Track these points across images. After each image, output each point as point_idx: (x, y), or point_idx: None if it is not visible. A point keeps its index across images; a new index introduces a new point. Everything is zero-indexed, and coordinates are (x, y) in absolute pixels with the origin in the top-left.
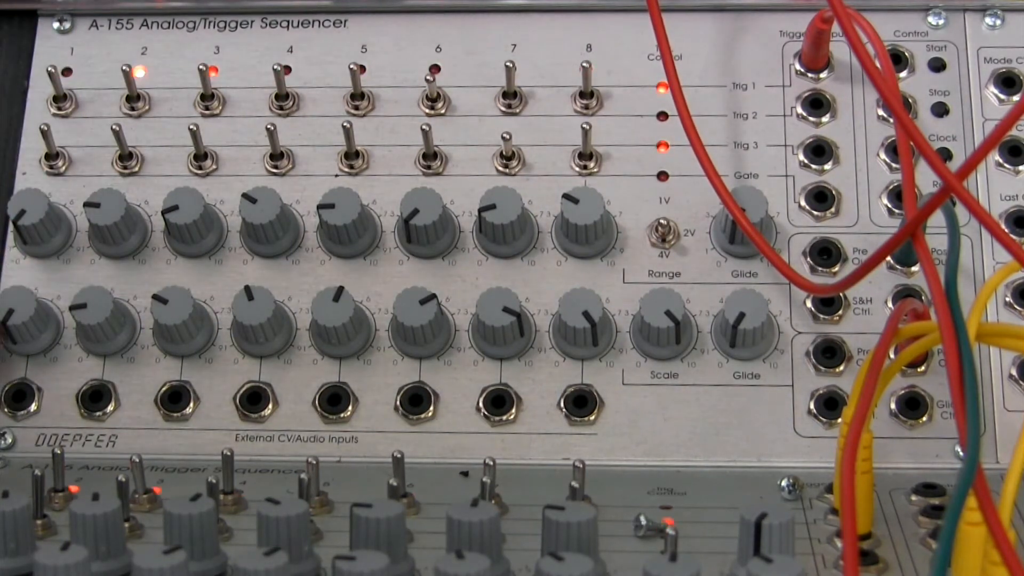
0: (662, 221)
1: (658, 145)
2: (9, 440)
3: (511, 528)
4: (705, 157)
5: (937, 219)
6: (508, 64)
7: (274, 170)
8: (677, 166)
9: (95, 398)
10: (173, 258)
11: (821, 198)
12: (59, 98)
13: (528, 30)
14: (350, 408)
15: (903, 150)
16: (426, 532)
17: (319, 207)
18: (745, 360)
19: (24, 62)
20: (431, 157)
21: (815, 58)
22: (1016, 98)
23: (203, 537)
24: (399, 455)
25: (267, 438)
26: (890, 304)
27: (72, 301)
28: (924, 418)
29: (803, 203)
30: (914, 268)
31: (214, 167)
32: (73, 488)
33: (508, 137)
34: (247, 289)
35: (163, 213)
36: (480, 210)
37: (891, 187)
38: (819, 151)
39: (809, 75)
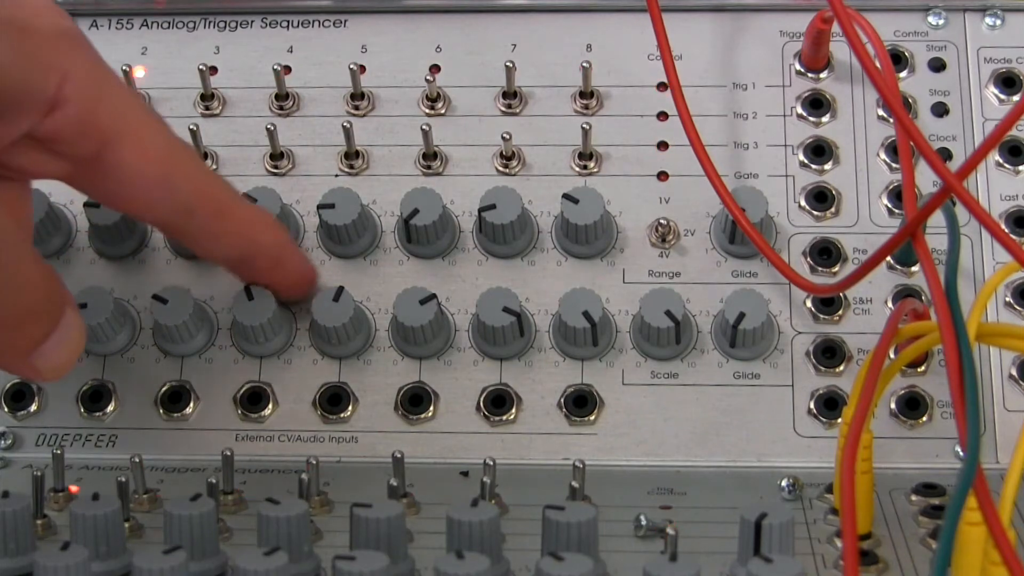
0: (662, 221)
1: (658, 145)
2: (9, 440)
3: (511, 528)
4: (705, 157)
5: (937, 219)
6: (508, 64)
7: (274, 170)
8: (677, 166)
9: (95, 398)
10: (173, 258)
11: (821, 198)
12: None
13: (528, 30)
14: (350, 408)
15: (903, 150)
16: (426, 532)
17: (319, 207)
18: (745, 360)
19: None
20: (431, 157)
21: (815, 58)
22: (1016, 98)
23: (203, 537)
24: (399, 455)
25: (267, 438)
26: (890, 304)
27: None
28: (924, 418)
29: (803, 203)
30: (914, 268)
31: (214, 167)
32: (73, 488)
33: (508, 137)
34: (247, 289)
35: None
36: (480, 210)
37: (891, 187)
38: (819, 151)
39: (809, 75)
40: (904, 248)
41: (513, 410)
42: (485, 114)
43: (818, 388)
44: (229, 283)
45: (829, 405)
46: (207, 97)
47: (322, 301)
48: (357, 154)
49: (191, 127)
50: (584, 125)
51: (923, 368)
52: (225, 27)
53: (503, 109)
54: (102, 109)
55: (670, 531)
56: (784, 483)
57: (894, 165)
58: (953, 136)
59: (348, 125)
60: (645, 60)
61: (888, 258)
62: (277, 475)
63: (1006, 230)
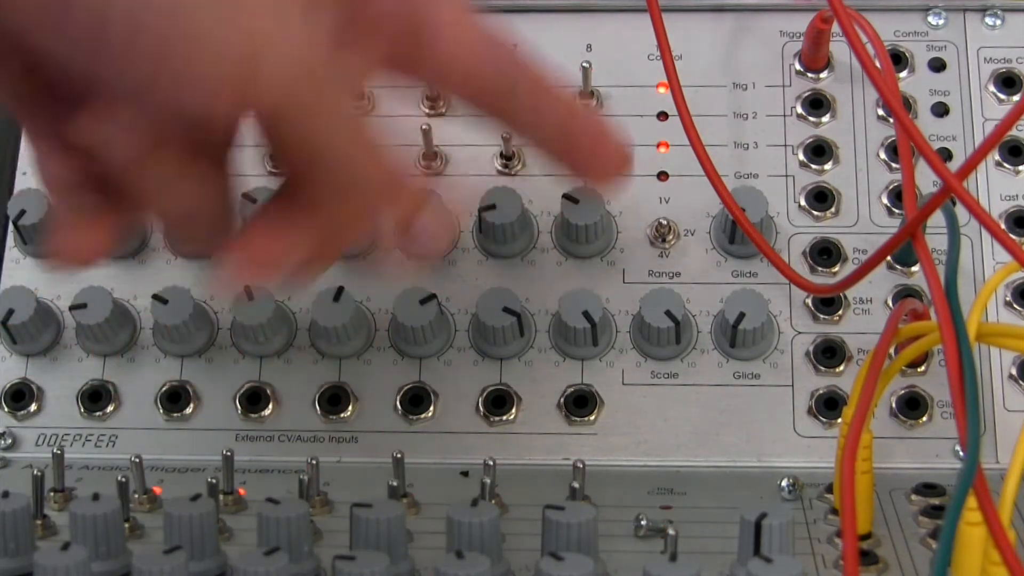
0: (662, 221)
1: (658, 145)
2: (9, 440)
3: (511, 528)
4: (705, 157)
5: (937, 219)
6: None
7: (275, 170)
8: (677, 166)
9: (95, 398)
10: (173, 258)
11: (821, 198)
12: None
13: (528, 30)
14: (350, 408)
15: (903, 150)
16: (426, 532)
17: None
18: (745, 360)
19: None
20: (431, 157)
21: (815, 58)
22: (1016, 98)
23: (203, 537)
24: (399, 455)
25: (267, 438)
26: (890, 304)
27: (72, 301)
28: (924, 418)
29: (803, 203)
30: (914, 268)
31: None
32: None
33: (508, 137)
34: (247, 289)
35: None
36: (480, 210)
37: (891, 187)
38: (819, 151)
39: (809, 75)
40: (904, 248)
41: (513, 410)
42: None
43: (818, 388)
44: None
45: (829, 405)
46: None
47: (322, 301)
48: None
49: None
50: None
51: (923, 368)
52: None
53: None
54: None
55: (670, 531)
56: (784, 483)
57: (894, 165)
58: (953, 136)
59: None
60: (645, 60)
61: (888, 258)
62: (277, 475)
63: (1006, 230)
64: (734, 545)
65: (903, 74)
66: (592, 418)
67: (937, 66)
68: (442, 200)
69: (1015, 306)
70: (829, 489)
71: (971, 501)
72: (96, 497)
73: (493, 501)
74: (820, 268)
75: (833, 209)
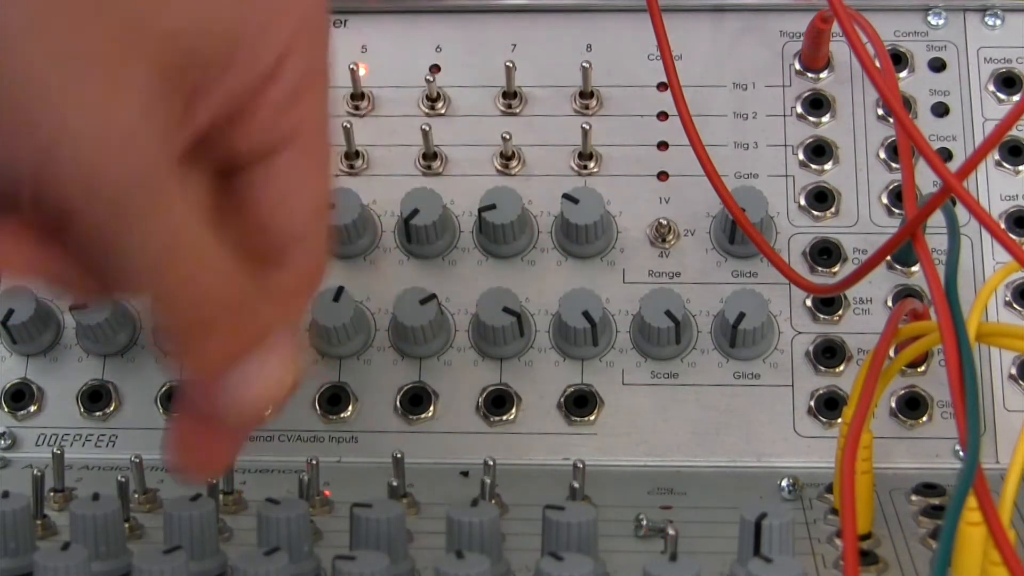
0: (662, 221)
1: (658, 145)
2: (9, 440)
3: (511, 528)
4: (705, 157)
5: (937, 219)
6: (508, 64)
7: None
8: (677, 166)
9: (95, 398)
10: None
11: (821, 198)
12: None
13: (528, 30)
14: (350, 408)
15: (903, 150)
16: (426, 532)
17: None
18: (745, 360)
19: None
20: (431, 157)
21: (815, 58)
22: (1016, 98)
23: (203, 537)
24: (399, 455)
25: (267, 438)
26: (890, 304)
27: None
28: (924, 418)
29: (803, 203)
30: (914, 268)
31: None
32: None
33: (508, 137)
34: None
35: None
36: (480, 210)
37: (891, 187)
38: (819, 151)
39: (809, 75)
40: (904, 248)
41: (513, 410)
42: (485, 114)
43: (818, 388)
44: None
45: (829, 405)
46: None
47: (322, 301)
48: (357, 154)
49: None
50: (584, 125)
51: (923, 368)
52: None
53: (503, 109)
54: (304, 103)
55: (670, 531)
56: (784, 483)
57: (894, 165)
58: (953, 136)
59: (348, 125)
60: (645, 60)
61: (888, 258)
62: (277, 475)
63: (1006, 230)
64: (734, 545)
65: (903, 74)
66: (592, 418)
67: (937, 66)
68: (286, 349)
69: (1015, 306)
70: (829, 489)
71: (971, 501)
72: (96, 497)
73: (493, 501)
74: (820, 268)
75: (833, 209)
